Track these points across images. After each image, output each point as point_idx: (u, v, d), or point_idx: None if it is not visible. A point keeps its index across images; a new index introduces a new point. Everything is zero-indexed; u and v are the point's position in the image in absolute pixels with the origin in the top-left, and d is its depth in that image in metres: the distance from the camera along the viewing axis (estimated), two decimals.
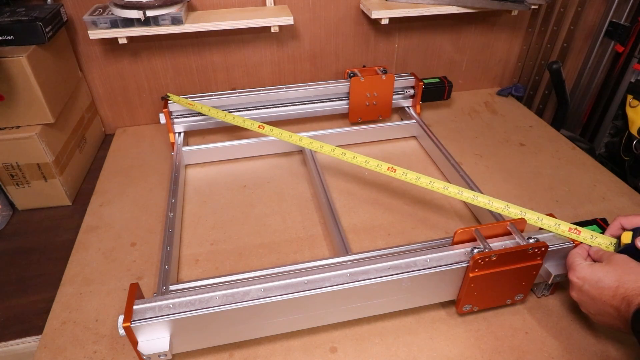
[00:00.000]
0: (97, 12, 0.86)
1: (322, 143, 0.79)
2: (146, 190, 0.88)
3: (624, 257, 0.53)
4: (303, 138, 0.82)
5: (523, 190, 0.86)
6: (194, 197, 0.86)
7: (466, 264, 0.57)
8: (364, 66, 1.09)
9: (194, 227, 0.79)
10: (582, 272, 0.54)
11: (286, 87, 0.99)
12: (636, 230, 0.67)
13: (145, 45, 0.98)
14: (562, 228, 0.61)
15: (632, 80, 1.11)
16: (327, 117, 1.08)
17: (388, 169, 0.72)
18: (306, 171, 0.92)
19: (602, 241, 0.59)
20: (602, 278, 0.52)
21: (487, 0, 0.98)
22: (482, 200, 0.66)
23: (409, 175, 0.71)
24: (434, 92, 1.06)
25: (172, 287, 0.63)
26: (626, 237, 0.66)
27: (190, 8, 0.96)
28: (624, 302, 0.49)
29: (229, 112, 0.97)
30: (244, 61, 1.06)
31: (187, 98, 0.94)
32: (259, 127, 0.80)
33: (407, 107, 1.07)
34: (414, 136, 1.03)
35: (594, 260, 0.57)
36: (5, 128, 0.78)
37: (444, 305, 0.64)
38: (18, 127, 0.79)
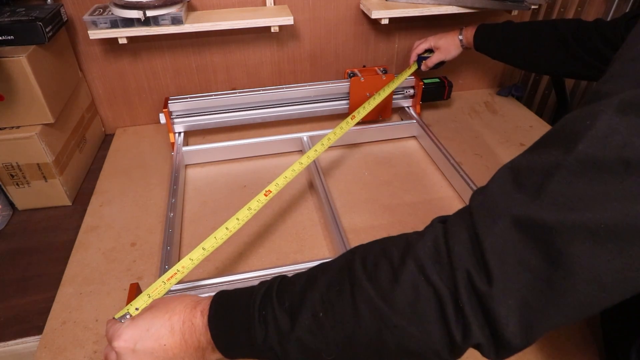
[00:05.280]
0: (97, 12, 0.86)
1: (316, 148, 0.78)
2: (146, 190, 0.88)
3: (158, 299, 0.47)
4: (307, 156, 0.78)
5: None
6: (194, 197, 0.86)
7: None
8: (364, 66, 1.09)
9: (194, 227, 0.79)
10: (127, 332, 0.43)
11: (286, 87, 0.99)
12: (419, 58, 1.00)
13: (145, 45, 0.98)
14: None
15: None
16: (327, 117, 1.07)
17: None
18: (306, 171, 0.92)
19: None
20: (150, 322, 0.43)
21: (487, 0, 0.98)
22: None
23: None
24: (434, 92, 1.07)
25: (172, 287, 0.63)
26: (414, 67, 1.00)
27: (190, 8, 0.96)
28: (186, 326, 0.42)
29: (229, 112, 0.98)
30: (244, 61, 1.06)
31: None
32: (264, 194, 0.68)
33: (407, 107, 1.07)
34: (414, 136, 1.03)
35: None
36: (5, 128, 0.78)
37: None
38: (18, 127, 0.79)
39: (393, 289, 0.34)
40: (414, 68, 1.01)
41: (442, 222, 0.38)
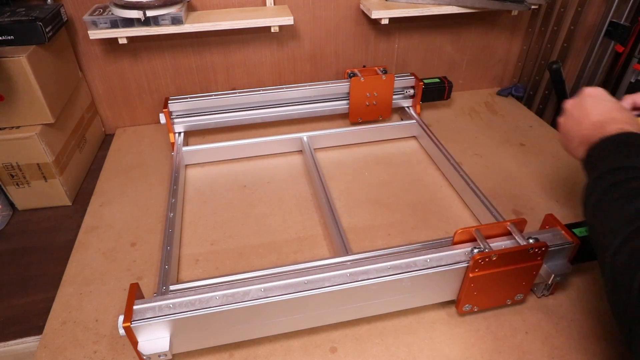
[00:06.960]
0: (97, 12, 0.86)
1: None
2: (146, 190, 0.88)
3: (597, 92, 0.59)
4: None
5: (523, 190, 0.86)
6: (194, 197, 0.86)
7: (466, 264, 0.57)
8: (364, 66, 1.09)
9: (194, 227, 0.79)
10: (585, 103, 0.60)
11: (286, 87, 0.99)
12: None
13: (145, 45, 0.98)
14: None
15: (632, 80, 1.11)
16: (327, 117, 1.08)
17: None
18: (306, 171, 0.92)
19: None
20: (586, 111, 0.58)
21: (487, 0, 0.98)
22: None
23: None
24: (434, 92, 1.06)
25: (172, 287, 0.63)
26: None
27: (190, 8, 0.96)
28: (597, 128, 0.52)
29: (229, 112, 0.98)
30: (244, 61, 1.06)
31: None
32: None
33: (407, 107, 1.07)
34: (414, 136, 1.03)
35: None
36: (5, 128, 0.78)
37: (444, 305, 0.64)
38: (18, 127, 0.79)
39: None
40: None
41: None
